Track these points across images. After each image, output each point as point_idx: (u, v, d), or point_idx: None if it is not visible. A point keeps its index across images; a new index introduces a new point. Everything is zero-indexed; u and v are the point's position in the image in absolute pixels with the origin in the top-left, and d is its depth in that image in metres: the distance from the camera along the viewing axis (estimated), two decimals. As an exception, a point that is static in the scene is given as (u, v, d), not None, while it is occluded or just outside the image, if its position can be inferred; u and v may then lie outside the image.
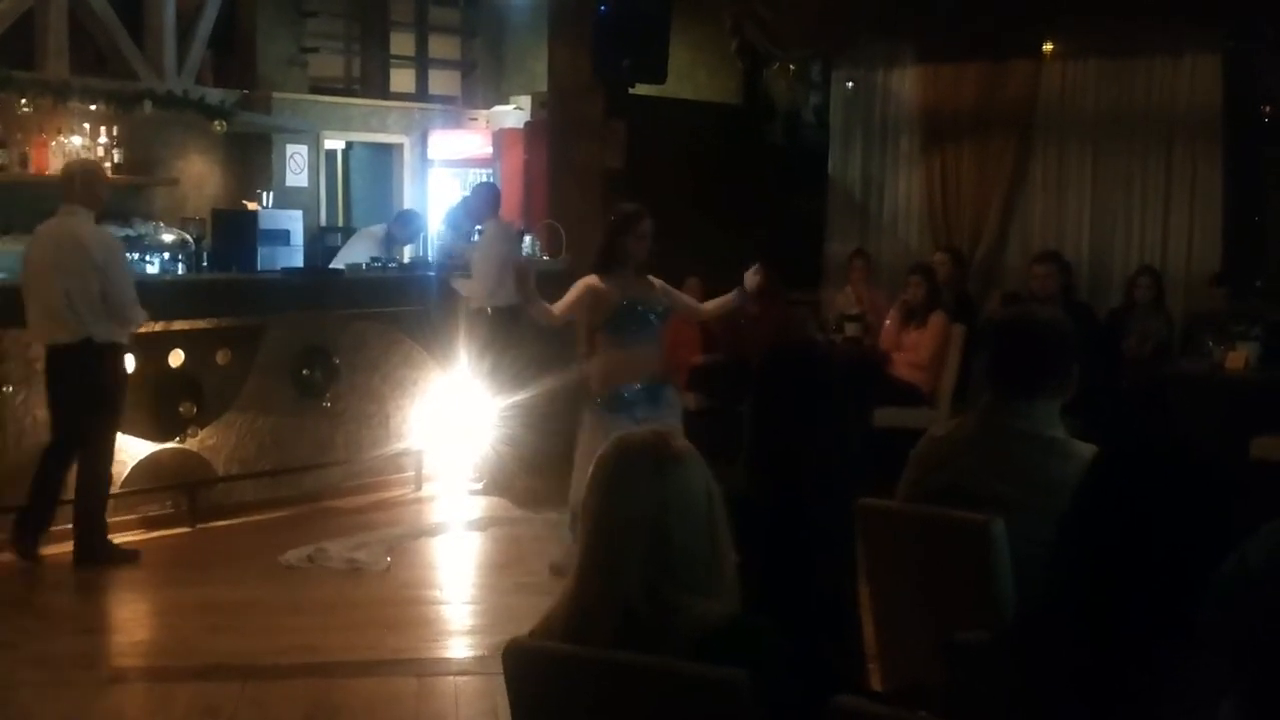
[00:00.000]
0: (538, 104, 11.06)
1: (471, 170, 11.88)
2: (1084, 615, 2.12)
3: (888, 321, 9.16)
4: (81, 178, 7.17)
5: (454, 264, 9.07)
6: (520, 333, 8.52)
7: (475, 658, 5.65)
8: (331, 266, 9.34)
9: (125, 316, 7.00)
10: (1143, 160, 9.74)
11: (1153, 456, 2.20)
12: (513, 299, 8.48)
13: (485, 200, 9.02)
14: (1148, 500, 2.14)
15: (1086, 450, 3.23)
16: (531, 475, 8.55)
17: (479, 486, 8.76)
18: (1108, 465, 2.26)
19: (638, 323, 6.25)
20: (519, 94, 12.10)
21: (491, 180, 10.81)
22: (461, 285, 8.88)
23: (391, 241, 9.70)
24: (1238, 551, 2.14)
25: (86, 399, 6.95)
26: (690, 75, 10.99)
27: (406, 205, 12.13)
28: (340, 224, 11.98)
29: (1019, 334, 3.56)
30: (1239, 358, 7.92)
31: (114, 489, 7.51)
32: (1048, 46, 10.02)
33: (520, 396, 8.59)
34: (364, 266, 9.13)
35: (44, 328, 6.95)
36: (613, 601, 2.32)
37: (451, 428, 8.90)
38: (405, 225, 9.93)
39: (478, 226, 9.06)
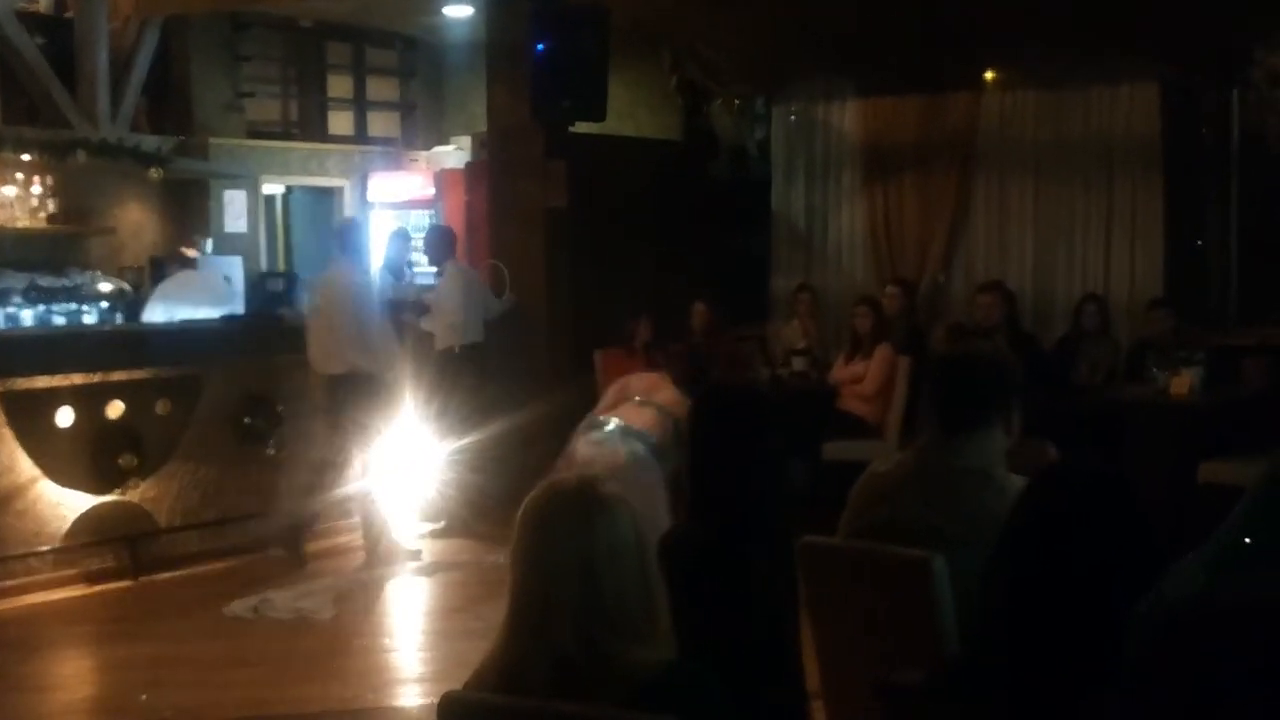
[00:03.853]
0: (478, 144, 11.04)
1: (414, 211, 11.84)
2: (1010, 651, 2.11)
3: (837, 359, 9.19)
4: (345, 230, 8.47)
5: (412, 307, 8.94)
6: (484, 371, 8.64)
7: (425, 705, 5.62)
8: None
9: (376, 352, 7.93)
10: (1084, 189, 9.81)
11: (1073, 488, 2.19)
12: (478, 337, 8.63)
13: (441, 242, 9.00)
14: (1066, 531, 2.13)
15: (1022, 485, 3.24)
16: (479, 518, 8.49)
17: (432, 529, 8.66)
18: (1028, 499, 2.25)
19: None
20: (459, 134, 12.09)
21: (442, 223, 10.77)
22: (427, 325, 8.84)
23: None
24: (1155, 588, 2.11)
25: (349, 422, 7.93)
26: (630, 113, 11.01)
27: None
28: (281, 269, 11.91)
29: (956, 370, 3.57)
30: (1183, 383, 7.96)
31: (54, 544, 7.43)
32: (989, 75, 10.10)
33: (470, 438, 8.55)
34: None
35: (319, 360, 7.97)
36: (545, 650, 2.28)
37: (398, 472, 8.81)
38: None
39: (434, 269, 9.03)
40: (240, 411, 8.26)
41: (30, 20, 10.35)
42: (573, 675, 2.27)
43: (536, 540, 2.33)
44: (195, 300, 9.23)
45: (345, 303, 7.92)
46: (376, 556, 8.04)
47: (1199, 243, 9.61)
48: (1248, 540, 2.49)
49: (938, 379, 3.57)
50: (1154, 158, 9.50)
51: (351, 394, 7.90)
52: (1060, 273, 9.90)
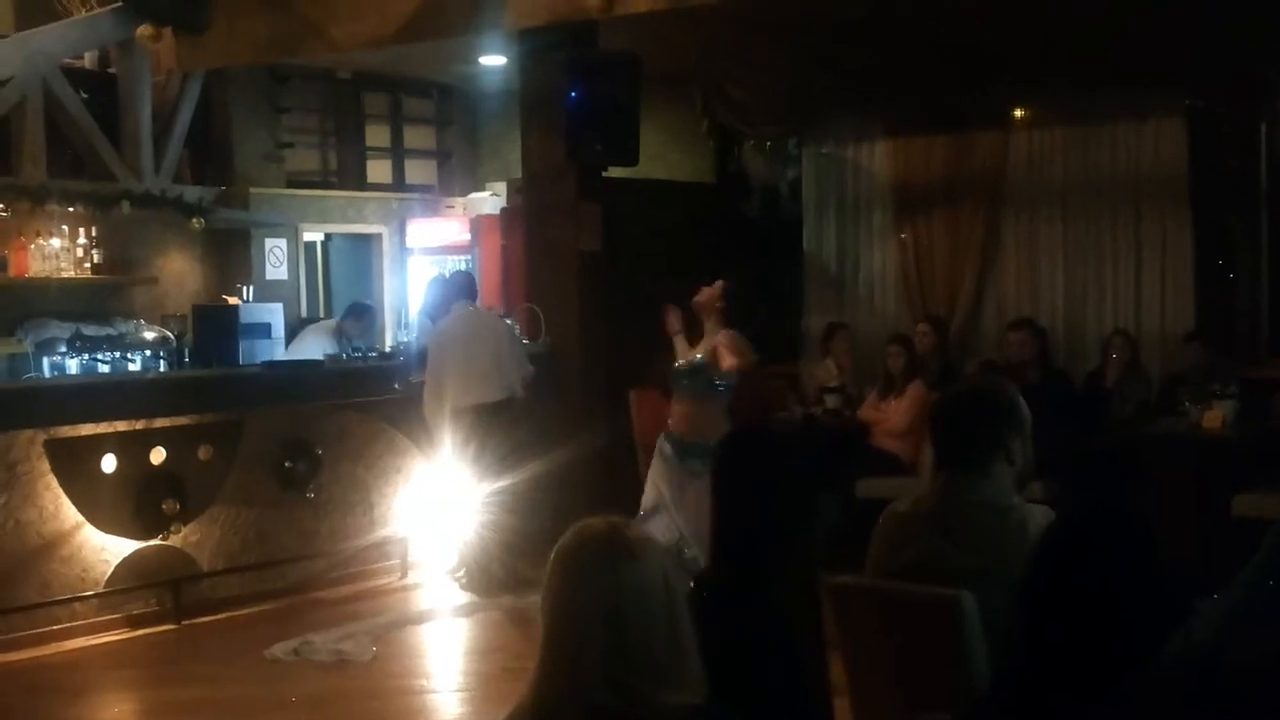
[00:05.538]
0: (513, 190, 11.14)
1: (450, 257, 11.96)
2: (1039, 691, 2.13)
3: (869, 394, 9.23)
4: (464, 280, 9.05)
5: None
6: (503, 419, 8.61)
7: (462, 747, 5.65)
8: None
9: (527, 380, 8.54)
10: (1112, 224, 9.81)
11: (1088, 526, 2.22)
12: (465, 400, 8.64)
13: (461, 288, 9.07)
14: (1084, 569, 2.16)
15: (1042, 516, 3.28)
16: (516, 558, 8.54)
17: (460, 578, 8.70)
18: (1055, 536, 2.28)
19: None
20: (494, 180, 12.20)
21: (467, 269, 10.87)
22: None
23: (343, 336, 9.72)
24: (1183, 629, 2.15)
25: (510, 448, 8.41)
26: (663, 156, 11.11)
27: (387, 294, 12.19)
28: (321, 315, 12.01)
29: (956, 407, 3.61)
30: (1216, 416, 7.95)
31: (98, 589, 7.54)
32: (1016, 113, 10.14)
33: (503, 481, 8.62)
34: (344, 358, 9.16)
35: (473, 391, 8.31)
36: (575, 694, 2.30)
37: (436, 513, 8.89)
38: (358, 319, 9.94)
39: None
40: (281, 456, 8.35)
41: (75, 75, 10.53)
42: (603, 719, 2.28)
43: (566, 585, 2.36)
44: (318, 343, 9.60)
45: (503, 334, 8.54)
46: (484, 584, 8.33)
47: (1229, 275, 9.59)
48: (1272, 582, 2.52)
49: (935, 423, 3.63)
50: (1182, 191, 9.50)
51: (506, 419, 8.36)
52: (1091, 308, 9.89)
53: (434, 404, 8.43)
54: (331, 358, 9.16)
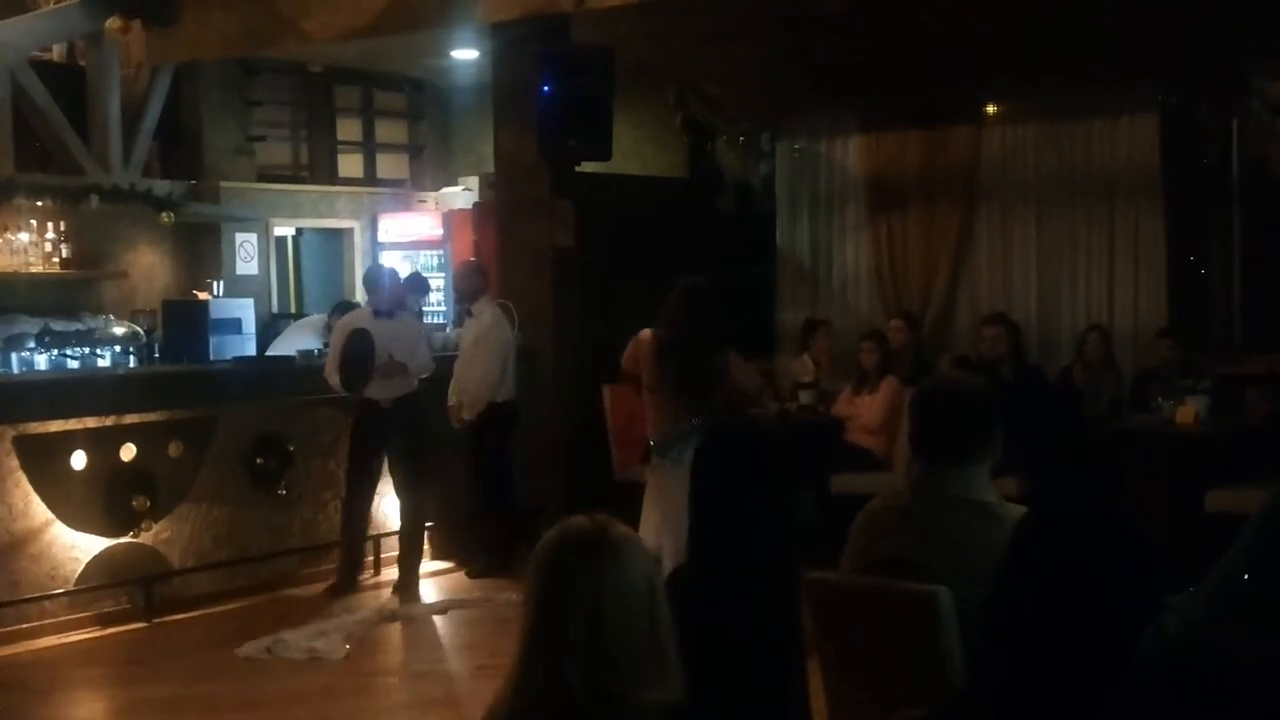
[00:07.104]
0: (485, 185, 11.11)
1: (423, 252, 11.92)
2: (1017, 688, 2.12)
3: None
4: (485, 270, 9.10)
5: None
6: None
7: (436, 745, 5.63)
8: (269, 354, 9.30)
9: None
10: (1086, 219, 9.83)
11: (1072, 523, 2.21)
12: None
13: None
14: (1066, 567, 2.15)
15: (1018, 513, 3.27)
16: (488, 552, 8.52)
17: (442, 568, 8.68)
18: (1026, 533, 2.27)
19: None
20: (467, 175, 12.16)
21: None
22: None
23: (331, 332, 9.66)
24: (1157, 622, 2.14)
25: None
26: (636, 151, 11.08)
27: (358, 290, 12.11)
28: (292, 310, 11.97)
29: (939, 403, 3.59)
30: (1189, 412, 7.98)
31: (67, 586, 7.48)
32: (990, 108, 10.14)
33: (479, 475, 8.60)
34: (315, 353, 9.11)
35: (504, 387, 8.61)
36: (554, 691, 2.28)
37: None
38: (344, 315, 9.89)
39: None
40: (252, 452, 8.30)
41: (43, 68, 10.45)
42: (582, 716, 2.26)
43: (548, 581, 2.34)
44: (305, 338, 9.59)
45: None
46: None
47: (1202, 271, 9.62)
48: (1246, 576, 2.51)
49: (918, 413, 3.61)
50: (1155, 187, 9.51)
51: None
52: (1064, 303, 9.90)
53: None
54: (303, 353, 9.10)
